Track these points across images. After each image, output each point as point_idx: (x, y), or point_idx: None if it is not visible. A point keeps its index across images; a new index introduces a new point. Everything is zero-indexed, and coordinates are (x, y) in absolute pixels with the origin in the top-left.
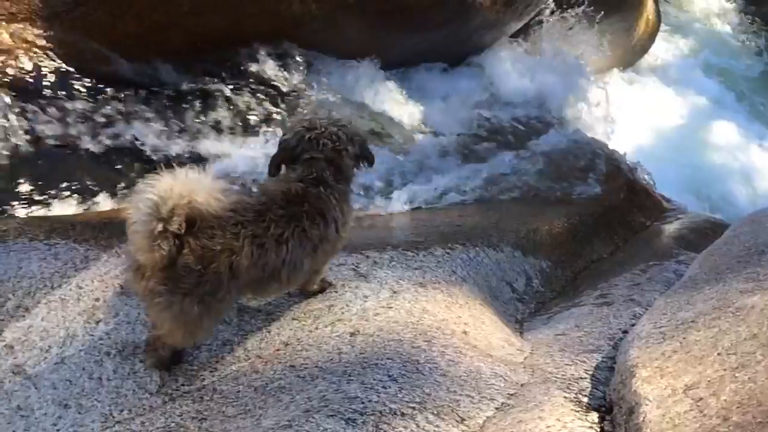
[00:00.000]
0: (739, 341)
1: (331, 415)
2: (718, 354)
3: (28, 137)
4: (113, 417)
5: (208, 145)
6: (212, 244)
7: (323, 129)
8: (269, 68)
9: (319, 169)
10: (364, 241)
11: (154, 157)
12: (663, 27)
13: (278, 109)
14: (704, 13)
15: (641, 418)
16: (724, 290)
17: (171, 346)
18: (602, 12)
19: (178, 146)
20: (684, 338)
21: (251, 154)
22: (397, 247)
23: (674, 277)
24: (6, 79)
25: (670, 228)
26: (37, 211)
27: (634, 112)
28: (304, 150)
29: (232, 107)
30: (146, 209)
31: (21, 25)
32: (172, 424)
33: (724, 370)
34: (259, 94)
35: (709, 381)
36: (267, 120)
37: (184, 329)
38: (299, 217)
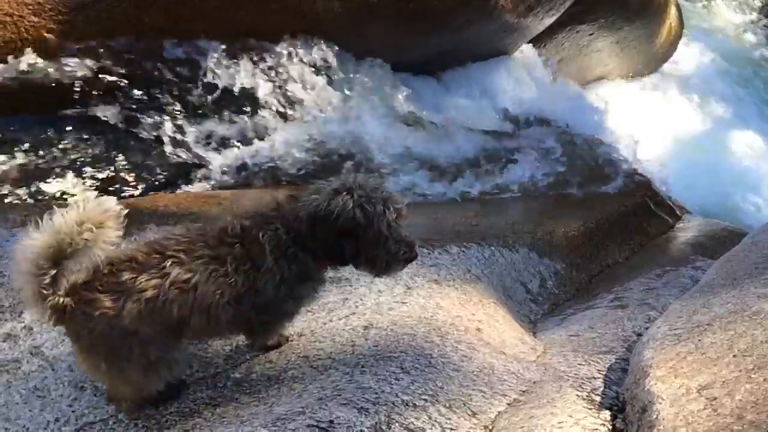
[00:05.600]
0: (756, 344)
1: (344, 404)
2: (734, 356)
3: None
4: None
5: (220, 129)
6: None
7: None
8: (290, 63)
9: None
10: None
11: (175, 147)
12: (685, 34)
13: (293, 107)
14: (727, 22)
15: (654, 416)
16: (741, 295)
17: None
18: (624, 18)
19: (192, 135)
20: (699, 340)
21: (264, 145)
22: None
23: (690, 283)
24: (33, 69)
25: (687, 235)
26: (60, 198)
27: (654, 119)
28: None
29: (252, 100)
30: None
31: (47, 15)
32: (186, 409)
33: (740, 371)
34: (279, 89)
35: (723, 381)
36: (284, 114)
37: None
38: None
